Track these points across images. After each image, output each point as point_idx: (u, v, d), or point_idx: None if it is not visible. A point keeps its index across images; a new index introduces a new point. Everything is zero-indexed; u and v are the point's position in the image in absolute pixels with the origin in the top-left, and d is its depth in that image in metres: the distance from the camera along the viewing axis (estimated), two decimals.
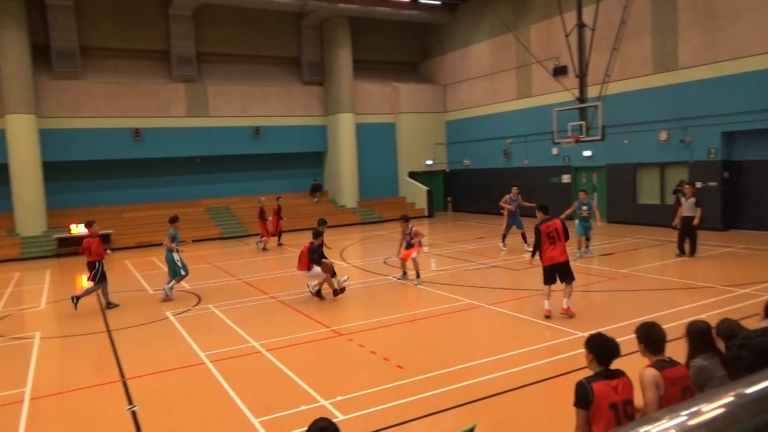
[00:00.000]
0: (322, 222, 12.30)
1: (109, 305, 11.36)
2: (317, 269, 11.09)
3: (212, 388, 6.81)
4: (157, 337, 9.32)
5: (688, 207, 13.51)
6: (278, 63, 27.58)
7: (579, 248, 14.44)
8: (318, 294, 11.32)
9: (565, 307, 9.07)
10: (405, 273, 12.76)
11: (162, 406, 6.41)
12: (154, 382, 7.19)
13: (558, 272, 9.05)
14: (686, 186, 14.04)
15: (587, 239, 14.64)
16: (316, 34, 27.47)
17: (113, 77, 23.55)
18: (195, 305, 11.32)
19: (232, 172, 26.43)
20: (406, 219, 12.61)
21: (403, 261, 12.66)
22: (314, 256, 11.00)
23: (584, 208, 14.51)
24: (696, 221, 13.35)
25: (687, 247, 13.73)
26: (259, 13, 25.82)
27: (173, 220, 12.40)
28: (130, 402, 6.51)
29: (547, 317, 8.98)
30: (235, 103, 25.62)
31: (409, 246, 12.41)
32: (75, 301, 11.08)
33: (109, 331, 9.69)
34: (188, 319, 10.29)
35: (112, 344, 8.93)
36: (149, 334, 9.50)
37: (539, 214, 9.35)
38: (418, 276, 12.35)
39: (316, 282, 11.31)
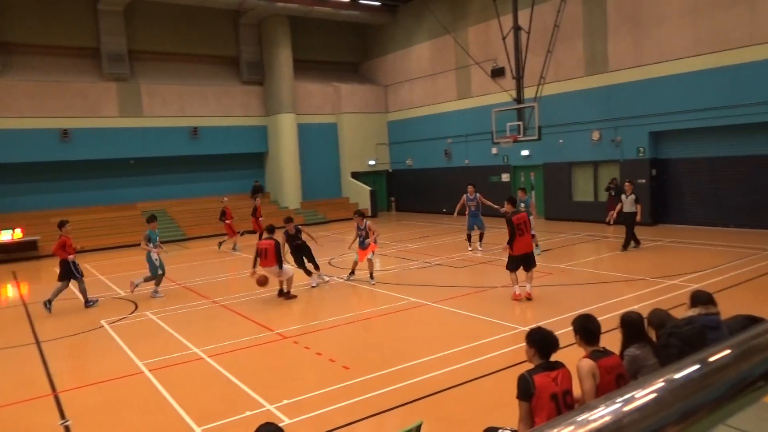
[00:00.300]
0: (288, 220, 12.29)
1: (48, 303, 11.05)
2: (288, 267, 11.21)
3: (151, 398, 6.58)
4: (91, 347, 8.92)
5: (628, 203, 14.17)
6: (216, 62, 26.93)
7: None
8: (288, 294, 11.27)
9: (528, 291, 10.00)
10: (353, 272, 12.71)
11: (98, 419, 6.13)
12: (88, 394, 6.87)
13: (524, 260, 9.88)
14: (626, 184, 14.69)
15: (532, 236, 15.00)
16: (254, 33, 27.01)
17: (38, 75, 22.33)
18: (131, 312, 10.89)
19: (168, 174, 25.60)
20: (361, 215, 12.45)
21: (357, 261, 12.56)
22: (281, 253, 11.05)
23: (522, 205, 14.91)
24: (638, 217, 14.04)
25: (627, 240, 14.41)
26: (195, 10, 25.13)
27: (150, 219, 12.48)
28: (62, 416, 6.19)
29: (518, 300, 9.90)
30: (171, 103, 24.82)
31: (364, 244, 12.26)
32: (90, 303, 11.50)
33: (38, 343, 9.19)
34: (124, 327, 9.89)
35: (42, 356, 8.47)
36: (82, 345, 9.08)
37: (508, 206, 10.31)
38: (371, 276, 12.27)
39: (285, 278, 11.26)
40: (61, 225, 11.58)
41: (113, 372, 7.51)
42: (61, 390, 7.01)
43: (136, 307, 11.24)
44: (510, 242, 9.79)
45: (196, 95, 25.42)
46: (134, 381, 7.18)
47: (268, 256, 10.93)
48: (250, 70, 26.86)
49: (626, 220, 14.20)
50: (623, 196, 14.41)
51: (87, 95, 23.00)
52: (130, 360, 7.97)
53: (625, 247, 14.34)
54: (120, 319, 10.37)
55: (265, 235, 11.45)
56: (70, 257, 11.19)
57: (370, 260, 12.21)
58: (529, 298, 9.96)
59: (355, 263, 12.67)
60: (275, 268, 10.97)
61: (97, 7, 23.17)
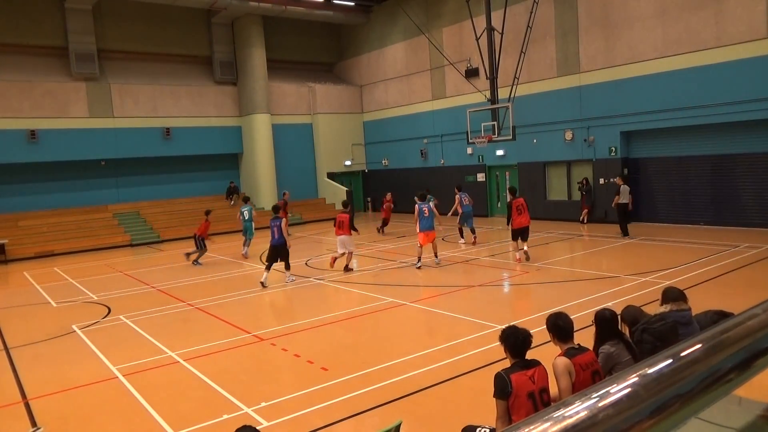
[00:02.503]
0: (346, 202, 15.15)
1: (188, 256, 16.11)
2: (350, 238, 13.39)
3: (126, 404, 6.47)
4: (63, 352, 8.72)
5: (623, 194, 15.74)
6: (189, 61, 26.59)
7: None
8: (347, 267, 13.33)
9: (525, 250, 13.00)
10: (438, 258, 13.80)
11: (71, 426, 6.01)
12: (60, 401, 6.73)
13: (521, 233, 13.13)
14: (618, 178, 16.38)
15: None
16: (228, 33, 26.75)
17: (4, 75, 21.74)
18: (104, 317, 10.70)
19: (141, 176, 25.18)
20: (423, 196, 14.14)
21: (433, 246, 13.58)
22: (353, 223, 13.55)
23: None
24: (614, 204, 15.89)
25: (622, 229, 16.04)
26: (166, 9, 24.77)
27: (245, 200, 17.52)
28: (33, 424, 6.05)
29: (519, 260, 13.02)
30: (143, 103, 24.43)
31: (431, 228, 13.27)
32: (198, 264, 15.91)
33: (6, 349, 8.97)
34: (97, 331, 9.71)
35: (11, 363, 8.27)
36: (53, 350, 8.87)
37: (509, 195, 13.47)
38: (436, 256, 13.66)
39: (342, 252, 13.33)
40: (207, 213, 16.51)
41: (86, 378, 7.37)
42: (32, 397, 6.85)
43: (109, 311, 11.05)
44: (508, 221, 13.23)
45: (168, 95, 25.05)
46: (108, 387, 7.05)
47: (344, 227, 13.16)
48: (224, 70, 26.59)
49: (622, 210, 15.83)
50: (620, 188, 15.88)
51: (55, 95, 22.50)
52: (103, 365, 7.83)
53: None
54: (92, 324, 10.17)
55: (340, 208, 13.76)
56: (208, 237, 16.14)
57: (434, 242, 13.56)
58: (527, 256, 12.97)
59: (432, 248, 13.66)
60: (345, 237, 13.19)
61: (64, 5, 22.68)
